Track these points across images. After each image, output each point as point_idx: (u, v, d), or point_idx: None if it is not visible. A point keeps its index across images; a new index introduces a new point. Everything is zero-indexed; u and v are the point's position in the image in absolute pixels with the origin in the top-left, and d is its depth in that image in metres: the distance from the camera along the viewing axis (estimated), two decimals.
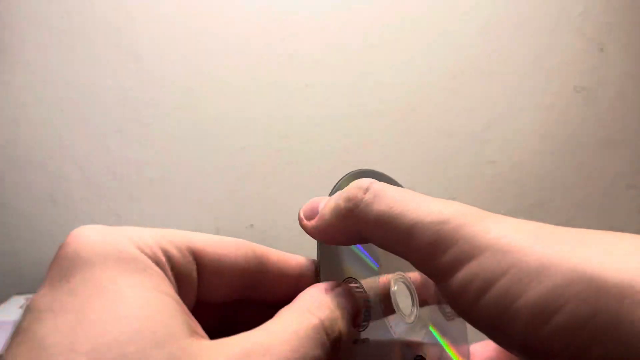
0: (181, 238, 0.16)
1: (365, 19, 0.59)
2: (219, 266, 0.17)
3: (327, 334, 0.16)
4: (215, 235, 0.18)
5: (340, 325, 0.17)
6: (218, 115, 0.59)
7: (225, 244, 0.18)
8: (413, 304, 0.22)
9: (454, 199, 0.32)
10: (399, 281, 0.22)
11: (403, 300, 0.22)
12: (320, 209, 0.19)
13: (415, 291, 0.22)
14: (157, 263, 0.15)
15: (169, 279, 0.15)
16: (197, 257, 0.17)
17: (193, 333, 0.14)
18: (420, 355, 0.21)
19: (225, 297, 0.18)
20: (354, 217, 0.18)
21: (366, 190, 0.18)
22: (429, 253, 0.16)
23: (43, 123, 0.60)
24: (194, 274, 0.16)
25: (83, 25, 0.59)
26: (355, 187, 0.18)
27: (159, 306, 0.13)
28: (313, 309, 0.17)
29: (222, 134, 0.59)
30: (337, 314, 0.17)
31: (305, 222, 0.20)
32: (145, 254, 0.15)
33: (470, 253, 0.15)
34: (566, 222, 0.57)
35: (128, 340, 0.12)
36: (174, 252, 0.16)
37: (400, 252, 0.17)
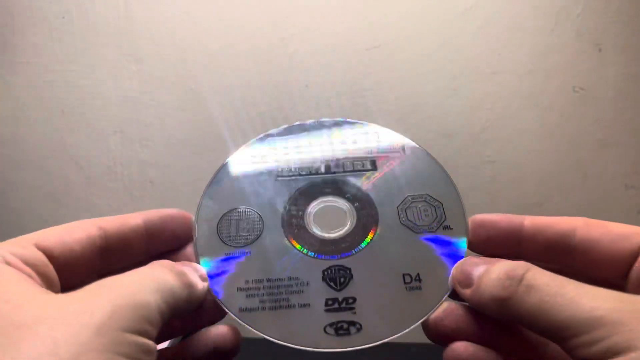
0: (27, 240, 0.20)
1: (365, 19, 0.59)
2: (66, 248, 0.20)
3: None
4: (60, 225, 0.21)
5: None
6: (218, 116, 0.59)
7: (67, 229, 0.21)
8: None
9: None
10: None
11: None
12: (475, 279, 0.21)
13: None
14: (8, 263, 0.18)
15: (22, 269, 0.18)
16: (44, 249, 0.20)
17: (41, 292, 0.17)
18: None
19: (97, 268, 0.22)
20: (507, 306, 0.19)
21: (520, 281, 0.19)
22: (580, 346, 0.17)
23: (43, 123, 0.60)
24: (47, 261, 0.20)
25: (83, 26, 0.60)
26: (509, 277, 0.19)
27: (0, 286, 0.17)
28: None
29: (222, 135, 0.59)
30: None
31: (459, 288, 0.22)
32: None
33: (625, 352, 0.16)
34: None
35: None
36: (21, 252, 0.19)
37: (552, 340, 0.18)
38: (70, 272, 0.21)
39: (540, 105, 0.58)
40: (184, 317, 0.22)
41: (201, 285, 0.22)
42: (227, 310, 0.23)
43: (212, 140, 0.59)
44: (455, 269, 0.23)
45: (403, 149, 0.29)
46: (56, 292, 0.20)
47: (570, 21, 0.57)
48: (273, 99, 0.59)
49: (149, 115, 0.59)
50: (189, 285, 0.21)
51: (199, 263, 0.25)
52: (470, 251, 0.25)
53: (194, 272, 0.22)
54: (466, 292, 0.21)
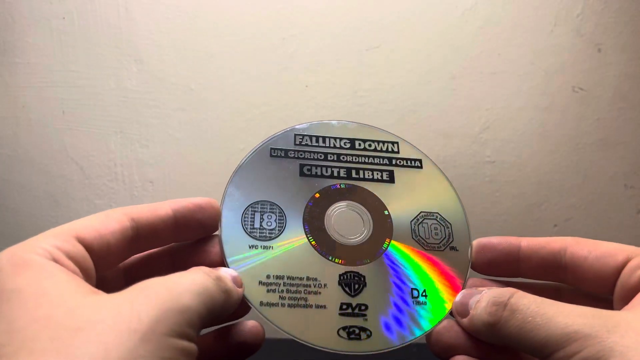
0: (68, 232, 0.20)
1: (365, 19, 0.59)
2: (103, 242, 0.21)
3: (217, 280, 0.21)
4: (94, 216, 0.22)
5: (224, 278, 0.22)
6: (218, 116, 0.59)
7: (102, 221, 0.22)
8: None
9: None
10: None
11: None
12: (470, 309, 0.23)
13: None
14: (56, 260, 0.19)
15: (68, 266, 0.19)
16: (84, 242, 0.20)
17: (89, 292, 0.18)
18: None
19: (125, 257, 0.23)
20: (496, 330, 0.21)
21: (505, 306, 0.21)
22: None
23: (43, 123, 0.60)
24: (87, 255, 0.20)
25: (84, 26, 0.60)
26: (496, 303, 0.21)
27: (52, 287, 0.17)
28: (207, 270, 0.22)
29: (222, 135, 0.59)
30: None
31: (458, 318, 0.24)
32: (40, 255, 0.18)
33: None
34: (565, 222, 0.57)
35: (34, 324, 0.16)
36: (65, 246, 0.19)
37: (538, 357, 0.20)
38: (105, 264, 0.21)
39: (540, 105, 0.58)
40: (219, 321, 0.23)
41: (236, 291, 0.23)
42: (249, 303, 0.24)
43: (212, 140, 0.59)
44: (455, 300, 0.25)
45: (420, 164, 0.30)
46: (92, 284, 0.20)
47: (570, 21, 0.58)
48: (273, 99, 0.59)
49: (149, 115, 0.59)
50: (226, 291, 0.21)
51: (224, 254, 0.25)
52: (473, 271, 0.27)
53: (230, 278, 0.23)
54: (464, 321, 0.23)
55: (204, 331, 0.24)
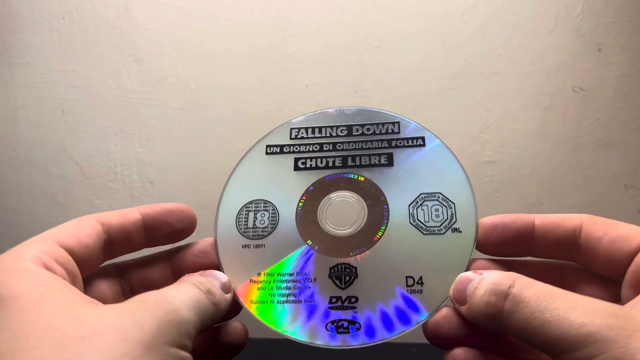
0: (48, 238, 0.20)
1: (364, 19, 0.59)
2: (82, 245, 0.21)
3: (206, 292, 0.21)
4: (66, 223, 0.22)
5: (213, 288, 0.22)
6: (218, 116, 0.59)
7: (76, 226, 0.22)
8: None
9: None
10: None
11: None
12: (468, 295, 0.21)
13: None
14: (47, 266, 0.19)
15: (58, 272, 0.19)
16: (65, 247, 0.21)
17: (87, 301, 0.18)
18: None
19: (101, 262, 0.23)
20: (497, 321, 0.19)
21: (506, 297, 0.19)
22: None
23: (43, 123, 0.60)
24: (71, 259, 0.20)
25: (84, 26, 0.60)
26: (495, 292, 0.19)
27: (49, 295, 0.17)
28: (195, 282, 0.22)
29: (222, 135, 0.59)
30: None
31: (457, 306, 0.22)
32: (31, 262, 0.19)
33: None
34: None
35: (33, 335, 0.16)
36: (50, 251, 0.20)
37: (544, 352, 0.18)
38: (86, 267, 0.22)
39: (540, 105, 0.58)
40: (208, 330, 0.23)
41: (224, 300, 0.23)
42: (240, 303, 0.24)
43: (212, 140, 0.59)
44: (453, 286, 0.23)
45: (423, 141, 0.29)
46: (80, 288, 0.21)
47: (570, 21, 0.58)
48: (273, 99, 0.59)
49: (149, 115, 0.59)
50: (215, 303, 0.22)
51: (217, 254, 0.26)
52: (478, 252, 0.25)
53: (219, 287, 0.23)
54: (462, 309, 0.22)
55: None
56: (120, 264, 0.26)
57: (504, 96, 0.58)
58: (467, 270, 0.24)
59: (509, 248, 0.24)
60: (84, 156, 0.59)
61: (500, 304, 0.19)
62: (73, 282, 0.20)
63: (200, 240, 0.27)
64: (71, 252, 0.21)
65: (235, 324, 0.24)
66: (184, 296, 0.20)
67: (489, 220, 0.24)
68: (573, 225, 0.23)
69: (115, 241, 0.24)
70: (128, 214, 0.24)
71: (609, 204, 0.57)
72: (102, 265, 0.24)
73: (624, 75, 0.57)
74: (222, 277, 0.24)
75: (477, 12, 0.58)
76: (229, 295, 0.24)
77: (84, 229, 0.22)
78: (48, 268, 0.19)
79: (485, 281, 0.20)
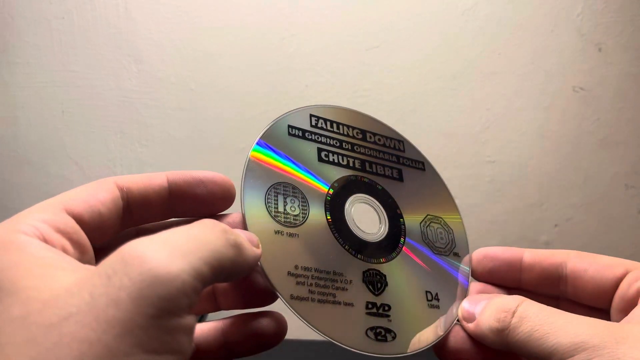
0: (56, 205, 0.19)
1: (365, 19, 0.59)
2: (94, 212, 0.20)
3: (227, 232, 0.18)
4: (82, 186, 0.20)
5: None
6: (218, 116, 0.59)
7: (91, 191, 0.20)
8: None
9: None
10: None
11: None
12: (477, 314, 0.23)
13: None
14: (44, 236, 0.17)
15: (57, 243, 0.18)
16: (73, 214, 0.19)
17: (70, 273, 0.16)
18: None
19: (119, 230, 0.21)
20: (503, 336, 0.21)
21: (513, 313, 0.21)
22: None
23: (43, 123, 0.60)
24: (78, 228, 0.19)
25: (83, 26, 0.60)
26: (505, 310, 0.22)
27: (31, 276, 0.16)
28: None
29: (222, 135, 0.59)
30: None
31: (464, 323, 0.24)
32: (27, 233, 0.17)
33: None
34: (565, 222, 0.57)
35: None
36: (53, 219, 0.18)
37: None
38: (99, 235, 0.20)
39: (540, 105, 0.58)
40: (231, 279, 0.21)
41: (251, 249, 0.19)
42: (279, 296, 0.22)
43: (212, 140, 0.59)
44: (462, 305, 0.25)
45: (423, 166, 0.29)
46: (89, 258, 0.19)
47: (570, 21, 0.57)
48: (273, 99, 0.59)
49: (149, 115, 0.59)
50: (236, 246, 0.18)
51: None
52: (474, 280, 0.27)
53: (242, 234, 0.20)
54: (470, 326, 0.23)
55: (224, 313, 0.22)
56: (143, 228, 0.23)
57: (504, 96, 0.58)
58: (467, 293, 0.26)
59: (499, 277, 0.26)
60: (83, 156, 0.59)
61: (508, 319, 0.21)
62: (81, 253, 0.18)
63: (228, 215, 0.23)
64: (80, 220, 0.19)
65: (269, 313, 0.22)
66: (182, 241, 0.16)
67: (481, 251, 0.26)
68: (560, 259, 0.25)
69: (135, 209, 0.21)
70: (153, 179, 0.21)
71: (609, 204, 0.57)
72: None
73: (625, 75, 0.57)
74: (249, 233, 0.21)
75: (477, 12, 0.58)
76: (258, 250, 0.20)
77: (98, 194, 0.20)
78: (46, 240, 0.17)
79: (496, 301, 0.22)
